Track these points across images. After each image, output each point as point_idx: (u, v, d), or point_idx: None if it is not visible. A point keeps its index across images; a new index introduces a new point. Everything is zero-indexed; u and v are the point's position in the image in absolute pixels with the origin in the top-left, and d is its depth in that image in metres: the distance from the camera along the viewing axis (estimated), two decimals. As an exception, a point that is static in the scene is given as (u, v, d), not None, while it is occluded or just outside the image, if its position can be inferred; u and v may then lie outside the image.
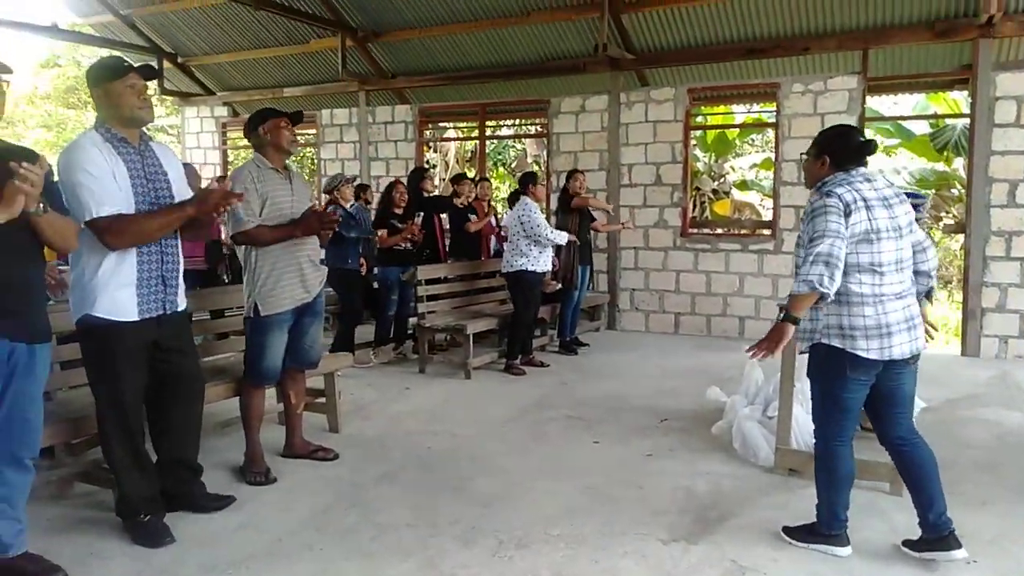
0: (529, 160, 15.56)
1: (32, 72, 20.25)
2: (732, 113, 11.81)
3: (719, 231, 8.84)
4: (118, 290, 2.80)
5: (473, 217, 7.13)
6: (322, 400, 4.56)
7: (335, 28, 8.98)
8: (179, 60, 10.58)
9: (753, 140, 15.26)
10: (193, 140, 11.66)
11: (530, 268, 6.09)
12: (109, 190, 2.73)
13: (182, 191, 3.02)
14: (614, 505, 3.42)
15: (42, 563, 2.63)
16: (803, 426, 3.87)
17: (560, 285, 6.73)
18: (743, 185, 13.84)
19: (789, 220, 7.60)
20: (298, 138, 3.68)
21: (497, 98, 9.39)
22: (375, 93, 9.89)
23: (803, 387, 4.07)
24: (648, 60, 8.09)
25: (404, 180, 6.95)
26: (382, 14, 8.84)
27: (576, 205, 6.74)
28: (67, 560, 2.76)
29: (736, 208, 13.17)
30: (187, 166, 6.56)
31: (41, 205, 2.37)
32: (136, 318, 2.84)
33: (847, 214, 2.62)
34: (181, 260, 3.06)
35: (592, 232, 7.26)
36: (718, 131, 12.81)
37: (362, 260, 6.37)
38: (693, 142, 10.48)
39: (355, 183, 6.48)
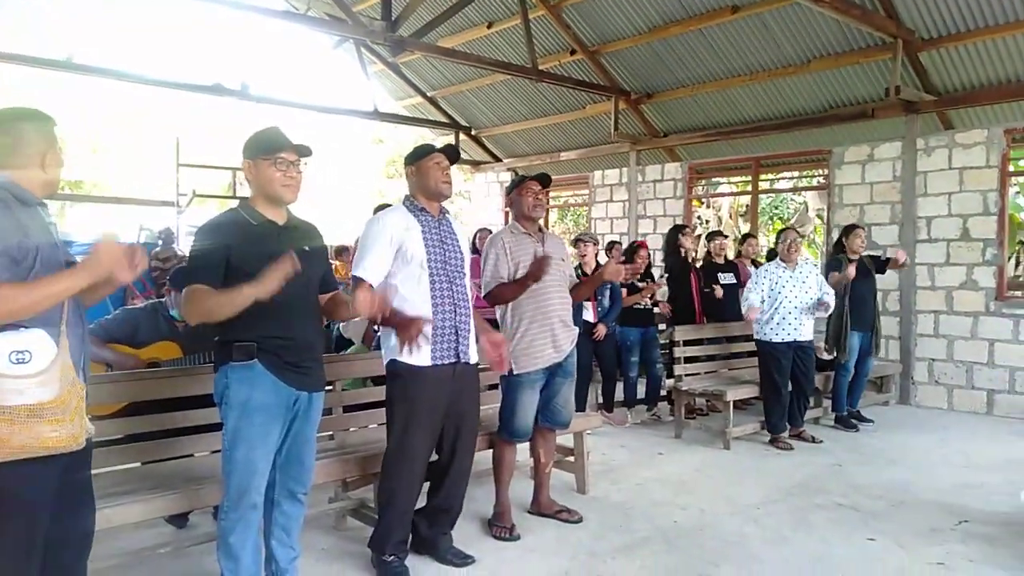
0: (811, 214, 14.50)
1: (364, 149, 24.00)
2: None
3: (1051, 294, 7.38)
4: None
5: (723, 277, 6.75)
6: (571, 459, 4.59)
7: (609, 93, 9.31)
8: (472, 132, 11.77)
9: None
10: (482, 203, 12.79)
11: (765, 338, 5.67)
12: (374, 256, 3.09)
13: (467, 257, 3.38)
14: (883, 621, 2.94)
15: (309, 590, 2.96)
16: None
17: (831, 353, 6.08)
18: (1089, 237, 11.42)
19: None
20: (542, 201, 3.82)
21: (772, 150, 8.93)
22: (645, 152, 9.99)
23: None
24: (953, 101, 7.11)
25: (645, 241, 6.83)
26: (655, 76, 8.99)
27: (834, 282, 5.86)
28: (330, 590, 3.09)
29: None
30: (482, 231, 7.19)
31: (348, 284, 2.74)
32: (429, 363, 3.13)
33: None
34: (472, 314, 3.32)
35: (877, 293, 6.39)
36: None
37: (598, 323, 6.18)
38: (1015, 189, 8.95)
39: (587, 239, 6.44)
